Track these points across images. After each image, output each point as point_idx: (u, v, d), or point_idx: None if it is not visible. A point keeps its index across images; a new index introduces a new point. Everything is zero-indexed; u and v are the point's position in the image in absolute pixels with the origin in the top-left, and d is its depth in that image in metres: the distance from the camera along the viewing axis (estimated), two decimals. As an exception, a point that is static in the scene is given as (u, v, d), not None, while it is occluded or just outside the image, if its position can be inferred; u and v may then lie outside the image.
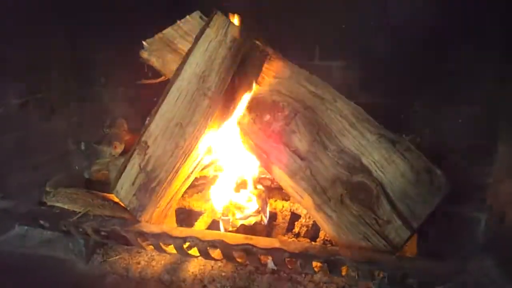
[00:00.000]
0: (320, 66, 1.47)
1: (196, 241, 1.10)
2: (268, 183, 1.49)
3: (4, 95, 1.49)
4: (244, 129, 1.19)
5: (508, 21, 1.18)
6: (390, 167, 1.07)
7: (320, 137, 1.12)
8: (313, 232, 1.30)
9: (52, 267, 1.31)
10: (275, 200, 1.46)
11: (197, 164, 1.24)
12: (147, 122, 1.19)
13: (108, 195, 1.29)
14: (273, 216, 1.39)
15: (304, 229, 1.30)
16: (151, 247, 1.21)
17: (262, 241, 1.07)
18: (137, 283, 1.22)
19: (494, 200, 1.25)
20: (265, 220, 1.32)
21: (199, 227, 1.33)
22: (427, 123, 1.36)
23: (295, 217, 1.39)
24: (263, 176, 1.46)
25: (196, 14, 1.29)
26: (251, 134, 1.17)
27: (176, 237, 1.12)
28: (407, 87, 1.36)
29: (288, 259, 1.06)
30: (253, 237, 1.09)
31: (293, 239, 1.27)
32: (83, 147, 1.62)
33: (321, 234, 1.28)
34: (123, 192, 1.20)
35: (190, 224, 1.36)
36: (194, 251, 1.16)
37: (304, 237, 1.28)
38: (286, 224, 1.35)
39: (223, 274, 1.20)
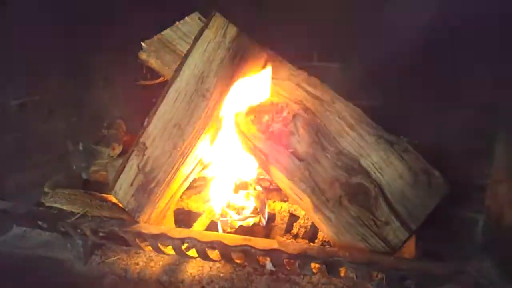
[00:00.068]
0: (318, 68, 1.47)
1: (194, 242, 1.10)
2: (267, 184, 1.49)
3: (2, 96, 1.48)
4: (243, 131, 1.19)
5: (506, 21, 1.18)
6: (389, 169, 1.07)
7: (318, 138, 1.13)
8: (312, 233, 1.30)
9: (50, 268, 1.31)
10: (274, 201, 1.46)
11: (196, 165, 1.25)
12: (145, 123, 1.19)
13: (106, 196, 1.29)
14: (271, 217, 1.39)
15: (303, 230, 1.30)
16: (150, 248, 1.21)
17: (260, 242, 1.07)
18: (135, 284, 1.22)
19: (492, 201, 1.25)
20: (264, 221, 1.32)
21: (198, 228, 1.33)
22: (425, 124, 1.36)
23: (293, 218, 1.39)
24: (261, 177, 1.46)
25: (195, 15, 1.29)
26: (249, 135, 1.17)
27: (175, 238, 1.12)
28: (406, 89, 1.36)
29: (287, 260, 1.07)
30: (252, 238, 1.09)
31: (291, 240, 1.27)
32: (81, 148, 1.61)
33: (320, 235, 1.28)
34: (121, 193, 1.20)
35: (188, 225, 1.35)
36: (192, 252, 1.16)
37: (302, 238, 1.28)
38: (285, 225, 1.35)
39: (221, 275, 1.20)
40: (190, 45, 1.18)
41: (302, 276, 1.15)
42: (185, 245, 1.13)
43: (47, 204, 1.27)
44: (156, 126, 1.18)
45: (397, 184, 1.06)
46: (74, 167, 1.59)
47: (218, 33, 1.16)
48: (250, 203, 1.35)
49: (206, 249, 1.11)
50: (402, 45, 1.30)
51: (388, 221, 1.04)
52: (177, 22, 1.29)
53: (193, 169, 1.24)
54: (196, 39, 1.17)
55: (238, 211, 1.32)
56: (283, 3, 1.40)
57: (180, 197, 1.33)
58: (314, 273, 1.11)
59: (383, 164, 1.07)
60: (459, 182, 1.07)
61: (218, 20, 1.16)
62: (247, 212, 1.32)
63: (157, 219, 1.23)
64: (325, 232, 1.13)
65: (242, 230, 1.25)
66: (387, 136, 1.10)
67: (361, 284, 1.10)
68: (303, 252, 1.03)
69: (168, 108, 1.17)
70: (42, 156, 1.63)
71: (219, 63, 1.16)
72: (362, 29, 1.37)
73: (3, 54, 1.43)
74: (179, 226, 1.31)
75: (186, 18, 1.28)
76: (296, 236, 1.29)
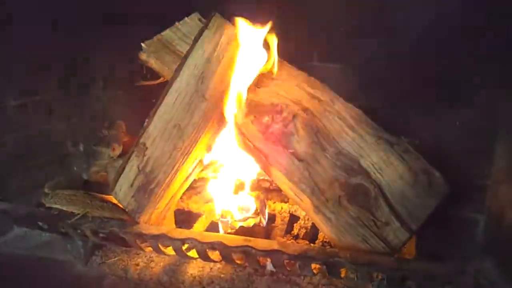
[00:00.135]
0: (318, 68, 1.47)
1: (195, 243, 1.10)
2: (267, 184, 1.49)
3: (2, 96, 1.48)
4: (243, 131, 1.19)
5: (506, 22, 1.18)
6: (389, 169, 1.07)
7: (318, 139, 1.12)
8: (312, 234, 1.30)
9: (51, 269, 1.31)
10: (274, 202, 1.46)
11: (196, 166, 1.25)
12: (145, 123, 1.20)
13: (106, 196, 1.29)
14: (272, 218, 1.39)
15: (303, 231, 1.30)
16: (150, 248, 1.21)
17: (261, 243, 1.07)
18: (135, 284, 1.22)
19: (493, 201, 1.25)
20: (264, 222, 1.32)
21: (198, 228, 1.33)
22: (425, 124, 1.36)
23: (294, 219, 1.39)
24: (261, 177, 1.46)
25: (195, 16, 1.29)
26: (249, 136, 1.17)
27: (175, 239, 1.12)
28: (406, 89, 1.36)
29: (287, 261, 1.07)
30: (252, 239, 1.09)
31: (292, 241, 1.27)
32: (81, 149, 1.61)
33: (320, 236, 1.28)
34: (121, 193, 1.20)
35: (189, 226, 1.35)
36: (193, 253, 1.16)
37: (303, 239, 1.28)
38: (285, 226, 1.35)
39: (222, 276, 1.20)
40: (190, 45, 1.18)
41: (302, 277, 1.15)
42: (186, 245, 1.13)
43: (47, 205, 1.27)
44: (156, 127, 1.18)
45: (397, 185, 1.05)
46: (75, 168, 1.59)
47: (218, 34, 1.16)
48: (251, 204, 1.35)
49: (207, 249, 1.12)
50: (402, 45, 1.30)
51: (388, 222, 1.04)
52: (177, 23, 1.29)
53: (193, 170, 1.24)
54: (196, 39, 1.17)
55: (239, 211, 1.32)
56: (283, 3, 1.39)
57: (181, 197, 1.33)
58: (314, 274, 1.11)
59: (383, 164, 1.07)
60: (459, 182, 1.07)
61: (218, 21, 1.16)
62: (248, 213, 1.32)
63: (157, 219, 1.23)
64: (325, 232, 1.13)
65: (243, 231, 1.25)
66: (387, 137, 1.09)
67: (361, 284, 1.09)
68: (304, 253, 1.03)
69: (168, 108, 1.17)
70: (42, 157, 1.63)
71: (219, 63, 1.16)
72: (362, 30, 1.37)
73: (3, 54, 1.43)
74: (180, 227, 1.31)
75: (186, 18, 1.29)
76: (296, 237, 1.29)
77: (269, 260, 1.11)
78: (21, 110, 1.53)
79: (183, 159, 1.19)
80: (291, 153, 1.13)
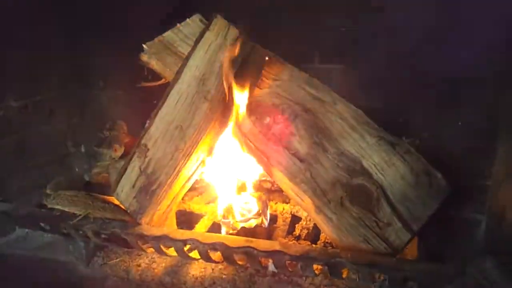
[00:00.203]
0: (319, 69, 1.47)
1: (196, 244, 1.10)
2: (269, 185, 1.49)
3: (3, 97, 1.48)
4: (244, 132, 1.19)
5: (505, 21, 1.18)
6: (390, 170, 1.07)
7: (320, 139, 1.13)
8: (314, 234, 1.30)
9: (53, 270, 1.31)
10: (276, 203, 1.46)
11: (198, 167, 1.25)
12: (147, 125, 1.20)
13: (108, 197, 1.29)
14: (273, 219, 1.39)
15: (305, 231, 1.30)
16: (152, 249, 1.22)
17: (262, 244, 1.07)
18: (137, 285, 1.22)
19: (494, 202, 1.25)
20: (266, 223, 1.32)
21: (200, 229, 1.33)
22: (426, 125, 1.36)
23: (295, 219, 1.39)
24: (263, 178, 1.46)
25: (196, 17, 1.29)
26: (251, 136, 1.17)
27: (177, 240, 1.12)
28: (407, 90, 1.36)
29: (289, 261, 1.07)
30: (254, 239, 1.10)
31: (293, 241, 1.27)
32: (83, 150, 1.62)
33: (322, 237, 1.28)
34: (123, 194, 1.20)
35: (190, 227, 1.36)
36: (194, 254, 1.16)
37: (304, 239, 1.28)
38: (287, 227, 1.35)
39: (223, 276, 1.20)
40: (191, 47, 1.18)
41: (304, 278, 1.15)
42: (187, 246, 1.13)
43: (49, 206, 1.28)
44: (158, 128, 1.18)
45: (399, 185, 1.06)
46: (77, 169, 1.60)
47: (220, 35, 1.16)
48: (252, 205, 1.35)
49: (208, 250, 1.12)
50: (402, 46, 1.30)
51: (390, 222, 1.04)
52: (178, 24, 1.29)
53: (195, 171, 1.24)
54: (198, 41, 1.17)
55: (240, 212, 1.33)
56: (285, 4, 1.40)
57: (182, 198, 1.33)
58: (316, 275, 1.11)
59: (385, 165, 1.07)
60: (460, 183, 1.08)
61: (219, 22, 1.16)
62: (249, 213, 1.32)
63: (159, 220, 1.23)
64: (327, 233, 1.13)
65: (244, 232, 1.25)
66: (389, 137, 1.10)
67: (363, 285, 1.09)
68: (305, 253, 1.03)
69: (169, 110, 1.18)
70: (42, 157, 1.63)
71: (220, 65, 1.16)
72: (363, 30, 1.37)
73: (3, 55, 1.43)
74: (181, 228, 1.32)
75: (188, 20, 1.28)
76: (298, 238, 1.29)
77: (271, 261, 1.12)
78: (21, 111, 1.54)
79: (184, 160, 1.19)
80: (293, 154, 1.13)
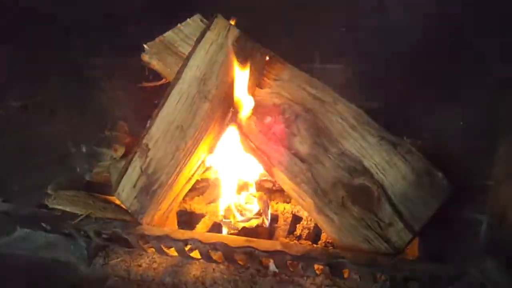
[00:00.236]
0: (319, 69, 1.47)
1: (197, 244, 1.10)
2: (270, 185, 1.49)
3: (3, 97, 1.49)
4: (245, 132, 1.19)
5: (506, 21, 1.18)
6: (391, 170, 1.07)
7: (320, 139, 1.13)
8: (315, 234, 1.30)
9: (54, 270, 1.31)
10: (277, 203, 1.46)
11: (198, 167, 1.25)
12: (148, 125, 1.20)
13: (109, 197, 1.29)
14: (274, 219, 1.39)
15: (306, 231, 1.31)
16: (153, 249, 1.22)
17: (263, 244, 1.07)
18: (138, 285, 1.22)
19: (495, 202, 1.25)
20: (267, 223, 1.32)
21: (201, 229, 1.33)
22: (427, 125, 1.36)
23: (296, 219, 1.39)
24: (264, 178, 1.46)
25: (197, 17, 1.29)
26: (251, 136, 1.17)
27: (178, 240, 1.12)
28: (407, 89, 1.36)
29: (290, 261, 1.07)
30: (255, 239, 1.10)
31: (294, 241, 1.27)
32: (83, 150, 1.62)
33: (323, 237, 1.28)
34: (124, 194, 1.20)
35: (191, 227, 1.36)
36: (195, 254, 1.16)
37: (305, 239, 1.28)
38: (288, 227, 1.35)
39: (224, 276, 1.20)
40: (192, 47, 1.18)
41: (305, 278, 1.15)
42: (188, 246, 1.13)
43: (50, 206, 1.28)
44: (159, 128, 1.18)
45: (400, 185, 1.06)
46: (78, 169, 1.60)
47: (220, 35, 1.16)
48: (253, 205, 1.35)
49: (209, 250, 1.12)
50: (402, 46, 1.30)
51: (392, 223, 1.04)
52: (179, 24, 1.29)
53: (195, 171, 1.24)
54: (198, 41, 1.17)
55: (241, 212, 1.33)
56: (286, 4, 1.40)
57: (183, 198, 1.34)
58: (317, 275, 1.11)
59: (386, 165, 1.07)
60: (461, 183, 1.07)
61: (220, 22, 1.16)
62: (250, 213, 1.32)
63: (160, 220, 1.23)
64: (328, 233, 1.13)
65: (245, 232, 1.25)
66: (390, 137, 1.10)
67: (364, 285, 1.09)
68: (306, 253, 1.03)
69: (170, 110, 1.18)
70: (43, 157, 1.63)
71: (221, 65, 1.16)
72: (364, 30, 1.37)
73: (3, 55, 1.43)
74: (182, 228, 1.32)
75: (188, 20, 1.28)
76: (299, 238, 1.29)
77: (272, 260, 1.12)
78: (21, 111, 1.54)
79: (185, 160, 1.19)
80: (293, 154, 1.13)
